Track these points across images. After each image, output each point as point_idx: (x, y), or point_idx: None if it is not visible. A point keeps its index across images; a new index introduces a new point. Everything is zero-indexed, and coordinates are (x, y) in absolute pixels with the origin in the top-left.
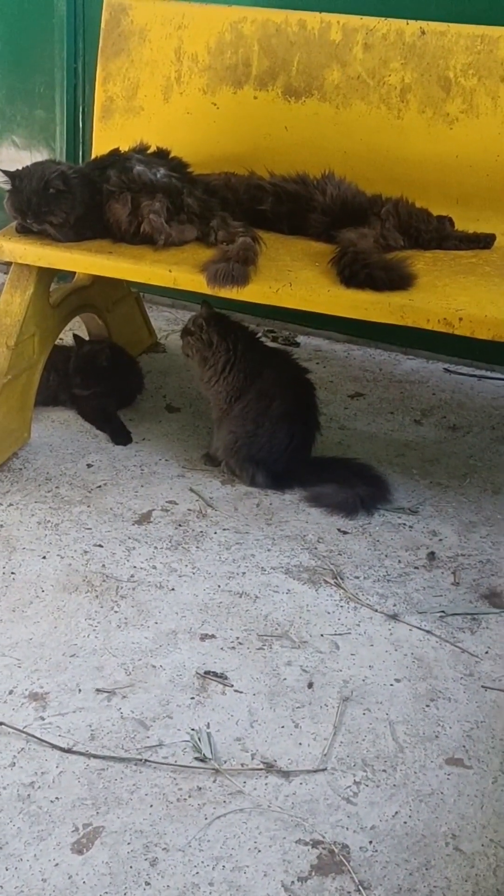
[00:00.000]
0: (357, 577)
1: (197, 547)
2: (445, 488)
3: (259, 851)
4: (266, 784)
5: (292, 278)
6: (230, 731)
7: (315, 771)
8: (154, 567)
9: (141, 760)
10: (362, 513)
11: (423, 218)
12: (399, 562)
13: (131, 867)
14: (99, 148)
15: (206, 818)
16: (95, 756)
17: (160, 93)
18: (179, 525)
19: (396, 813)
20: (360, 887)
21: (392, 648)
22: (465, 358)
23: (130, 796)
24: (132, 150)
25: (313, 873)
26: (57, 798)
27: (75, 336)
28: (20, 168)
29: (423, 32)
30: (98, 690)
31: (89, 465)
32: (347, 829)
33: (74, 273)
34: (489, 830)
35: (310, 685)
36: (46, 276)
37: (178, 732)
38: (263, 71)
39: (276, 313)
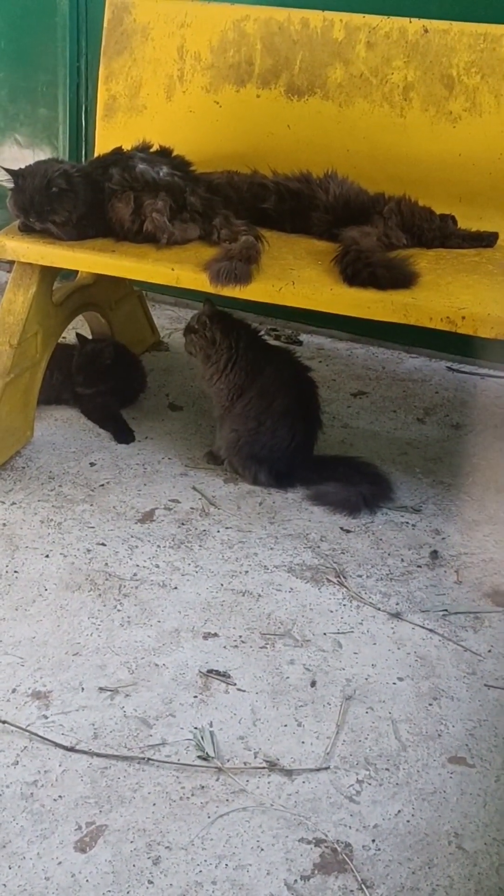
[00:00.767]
0: (360, 576)
1: (200, 545)
2: (448, 487)
3: (262, 850)
4: (269, 783)
5: (295, 277)
6: (233, 730)
7: (318, 769)
8: (157, 566)
9: (144, 759)
10: (365, 511)
11: (426, 216)
12: (402, 560)
13: (134, 865)
14: (102, 146)
15: (208, 817)
16: (98, 755)
17: (163, 91)
18: (182, 524)
19: (399, 811)
20: (363, 886)
21: (395, 647)
22: (469, 356)
23: (133, 795)
24: (135, 149)
25: (316, 872)
26: (60, 796)
27: (78, 335)
28: (23, 167)
29: (426, 30)
30: (101, 689)
31: (92, 464)
32: (350, 827)
33: (77, 271)
34: (492, 829)
35: (312, 684)
36: (49, 274)
37: (180, 731)
38: (266, 69)
39: (278, 312)
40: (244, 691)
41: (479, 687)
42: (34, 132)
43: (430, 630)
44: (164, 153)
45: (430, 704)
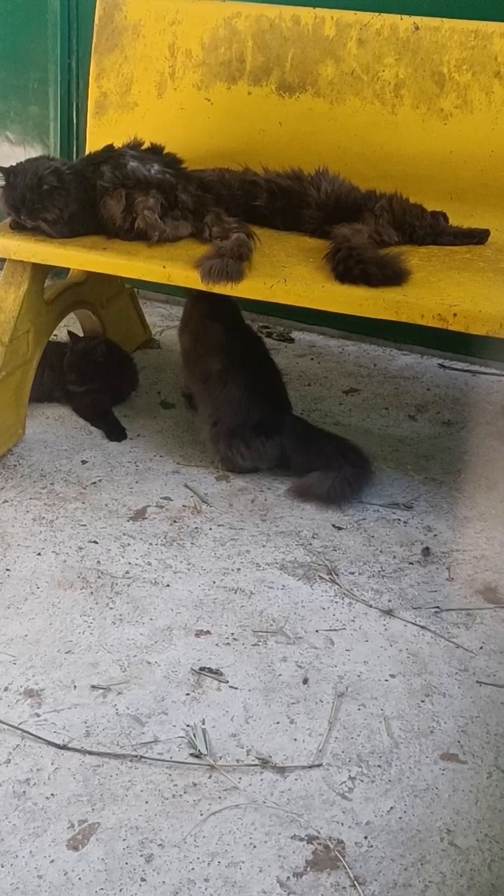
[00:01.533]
0: (352, 573)
1: (192, 543)
2: (440, 484)
3: (254, 847)
4: (261, 780)
5: (286, 274)
6: (225, 727)
7: (310, 767)
8: (149, 563)
9: (136, 757)
10: (350, 495)
11: (418, 213)
12: (394, 557)
13: (127, 863)
14: (93, 144)
15: (201, 814)
16: (91, 752)
17: (154, 88)
18: (174, 521)
19: (391, 808)
20: (356, 882)
21: (387, 644)
22: (460, 353)
23: (126, 792)
24: (126, 146)
25: (308, 869)
26: (52, 794)
27: (70, 333)
28: (14, 164)
29: (417, 28)
30: (93, 687)
31: (84, 462)
32: (342, 824)
33: (69, 269)
34: (484, 825)
35: (305, 681)
36: (40, 272)
37: (173, 729)
38: (257, 66)
39: (270, 309)
40: (236, 689)
41: (471, 683)
42: (25, 130)
43: (422, 627)
44: (156, 150)
45: (423, 701)
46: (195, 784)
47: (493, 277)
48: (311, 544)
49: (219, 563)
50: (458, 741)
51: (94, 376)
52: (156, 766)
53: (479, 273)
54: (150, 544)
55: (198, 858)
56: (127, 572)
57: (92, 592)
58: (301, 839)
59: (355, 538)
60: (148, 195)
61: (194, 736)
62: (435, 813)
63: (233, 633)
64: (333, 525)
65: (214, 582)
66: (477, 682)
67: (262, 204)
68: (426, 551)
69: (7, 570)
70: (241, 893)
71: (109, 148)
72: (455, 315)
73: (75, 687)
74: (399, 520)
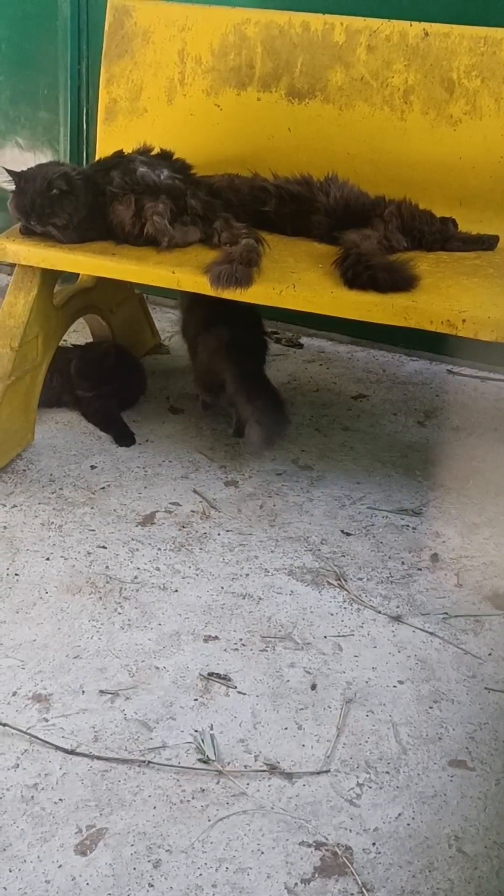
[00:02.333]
0: (360, 579)
1: (200, 548)
2: (448, 490)
3: (262, 853)
4: (269, 786)
5: (295, 280)
6: (233, 733)
7: (318, 773)
8: (157, 568)
9: (144, 762)
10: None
11: (427, 219)
12: (402, 563)
13: (134, 869)
14: (102, 150)
15: (209, 820)
16: (99, 758)
17: (164, 94)
18: (183, 527)
19: (399, 815)
20: (363, 889)
21: (395, 650)
22: (469, 360)
23: (134, 798)
24: (136, 152)
25: (316, 875)
26: (60, 799)
27: (79, 344)
28: (24, 169)
29: (427, 34)
30: (101, 692)
31: (93, 467)
32: (350, 830)
33: (78, 275)
34: (492, 832)
35: (313, 687)
36: (50, 277)
37: (181, 734)
38: (267, 72)
39: (279, 315)
40: (244, 694)
41: (479, 690)
42: (35, 135)
43: (431, 633)
44: (165, 156)
45: (431, 708)
46: (203, 790)
47: (501, 283)
48: (319, 550)
49: (227, 568)
50: (467, 748)
51: (103, 381)
52: (164, 772)
53: (488, 279)
54: (159, 549)
55: (205, 864)
56: (135, 577)
57: (100, 597)
58: (309, 845)
59: (364, 544)
60: (157, 201)
61: (202, 741)
62: (443, 820)
63: (241, 639)
64: (342, 531)
65: (223, 587)
66: (485, 688)
67: (271, 210)
68: (434, 557)
69: (16, 574)
70: None
71: (119, 154)
72: (464, 321)
73: (83, 692)
74: (408, 526)
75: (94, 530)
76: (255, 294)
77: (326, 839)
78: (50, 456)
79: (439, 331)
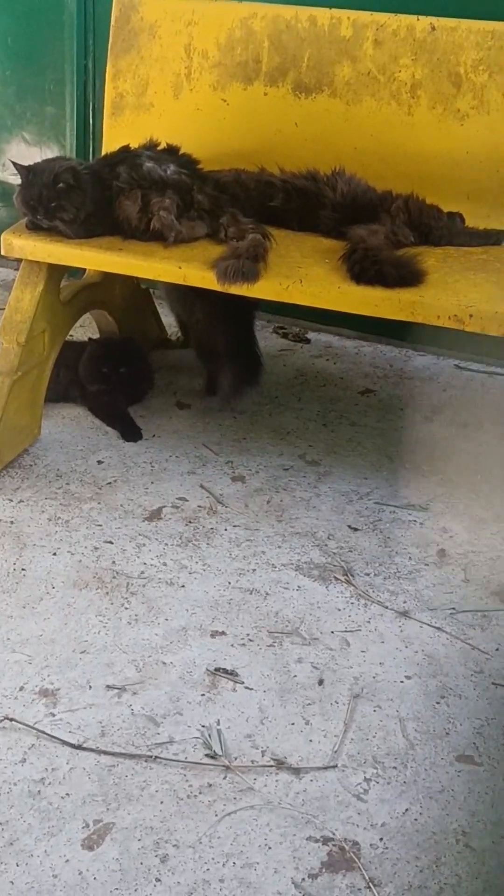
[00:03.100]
0: (367, 574)
1: (207, 544)
2: (456, 485)
3: (269, 848)
4: (276, 781)
5: (302, 275)
6: (240, 728)
7: (325, 768)
8: (164, 564)
9: (151, 757)
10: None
11: (434, 214)
12: (409, 559)
13: (142, 863)
14: (109, 144)
15: (216, 815)
16: (106, 752)
17: (170, 89)
18: (190, 522)
19: (407, 810)
20: (371, 884)
21: (402, 645)
22: (476, 354)
23: (141, 793)
24: (142, 147)
25: (323, 870)
26: (67, 794)
27: (87, 339)
28: (31, 164)
29: (434, 28)
30: (108, 687)
31: (100, 462)
32: (358, 826)
33: (84, 270)
34: (500, 827)
35: (320, 682)
36: (57, 272)
37: (188, 729)
38: (273, 67)
39: (286, 310)
40: (252, 689)
41: (486, 685)
42: (41, 130)
43: (438, 628)
44: (172, 151)
45: (438, 703)
46: (210, 785)
47: None
48: (326, 545)
49: (234, 563)
50: (474, 743)
51: (109, 376)
52: (171, 767)
53: (495, 274)
54: (166, 545)
55: (213, 859)
56: (142, 572)
57: (107, 592)
58: (316, 840)
59: (371, 539)
60: (164, 196)
61: (209, 736)
62: (450, 815)
63: (248, 634)
64: (349, 526)
65: (230, 583)
66: (493, 683)
67: (278, 204)
68: (442, 552)
69: (23, 569)
70: (255, 894)
71: (125, 148)
72: (471, 316)
73: (90, 687)
74: (415, 521)
75: (100, 525)
76: (262, 289)
77: (334, 834)
78: (57, 451)
79: (447, 326)
